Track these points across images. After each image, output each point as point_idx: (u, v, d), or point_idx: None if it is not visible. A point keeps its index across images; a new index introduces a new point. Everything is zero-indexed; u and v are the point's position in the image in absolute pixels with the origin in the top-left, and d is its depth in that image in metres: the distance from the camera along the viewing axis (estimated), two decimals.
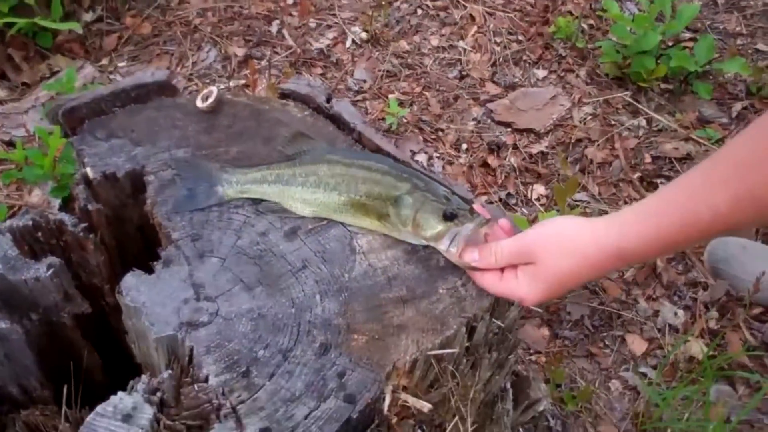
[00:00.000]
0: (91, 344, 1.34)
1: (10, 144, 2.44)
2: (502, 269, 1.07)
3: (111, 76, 2.74)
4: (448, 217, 1.08)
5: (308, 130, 1.31)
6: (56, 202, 1.98)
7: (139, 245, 1.35)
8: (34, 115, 2.54)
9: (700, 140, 2.68)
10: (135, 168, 1.24)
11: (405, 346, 1.02)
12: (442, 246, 1.09)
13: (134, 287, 1.07)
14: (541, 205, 2.47)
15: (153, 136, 1.29)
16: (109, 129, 1.30)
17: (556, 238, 1.01)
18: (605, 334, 2.13)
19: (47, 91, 2.54)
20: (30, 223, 1.19)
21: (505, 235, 1.12)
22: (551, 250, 1.01)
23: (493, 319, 1.08)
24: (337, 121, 1.34)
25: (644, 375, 2.05)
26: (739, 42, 3.10)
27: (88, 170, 1.23)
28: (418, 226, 1.10)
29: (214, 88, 1.34)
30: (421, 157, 2.59)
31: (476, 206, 1.12)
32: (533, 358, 1.99)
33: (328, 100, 1.37)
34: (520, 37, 3.06)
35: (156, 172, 1.23)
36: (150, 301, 1.05)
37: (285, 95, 1.40)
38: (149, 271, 1.10)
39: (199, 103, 1.33)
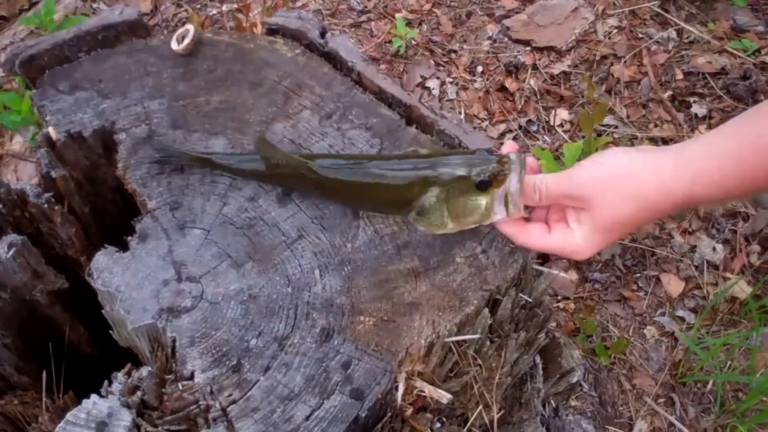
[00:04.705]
0: (77, 317, 1.22)
1: None
2: (547, 223, 0.90)
3: (94, 5, 2.54)
4: (484, 185, 0.88)
5: (300, 72, 1.14)
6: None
7: (119, 209, 1.21)
8: None
9: (735, 52, 2.46)
10: (104, 125, 1.09)
11: (419, 327, 0.88)
12: (497, 216, 0.89)
13: (106, 268, 0.94)
14: (565, 131, 2.28)
15: (123, 87, 1.13)
16: (73, 79, 1.14)
17: (616, 181, 0.84)
18: (638, 274, 1.97)
19: (25, 25, 2.35)
20: None
21: None
22: (610, 195, 0.83)
23: (520, 294, 0.93)
24: (333, 59, 1.17)
25: (682, 319, 1.90)
26: None
27: (51, 130, 1.08)
28: (459, 216, 0.90)
29: (190, 27, 1.17)
30: (433, 83, 2.40)
31: (505, 147, 0.94)
32: (561, 305, 1.84)
33: (323, 35, 1.19)
34: None
35: (128, 129, 1.08)
36: (125, 284, 0.92)
37: (273, 30, 1.22)
38: (124, 246, 0.96)
39: (174, 45, 1.16)
